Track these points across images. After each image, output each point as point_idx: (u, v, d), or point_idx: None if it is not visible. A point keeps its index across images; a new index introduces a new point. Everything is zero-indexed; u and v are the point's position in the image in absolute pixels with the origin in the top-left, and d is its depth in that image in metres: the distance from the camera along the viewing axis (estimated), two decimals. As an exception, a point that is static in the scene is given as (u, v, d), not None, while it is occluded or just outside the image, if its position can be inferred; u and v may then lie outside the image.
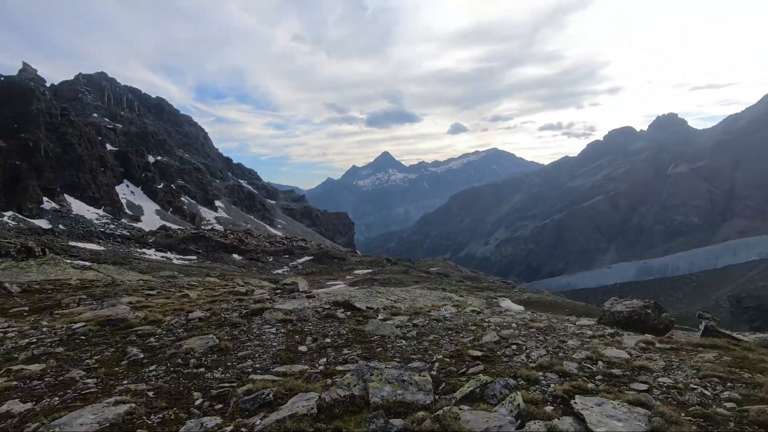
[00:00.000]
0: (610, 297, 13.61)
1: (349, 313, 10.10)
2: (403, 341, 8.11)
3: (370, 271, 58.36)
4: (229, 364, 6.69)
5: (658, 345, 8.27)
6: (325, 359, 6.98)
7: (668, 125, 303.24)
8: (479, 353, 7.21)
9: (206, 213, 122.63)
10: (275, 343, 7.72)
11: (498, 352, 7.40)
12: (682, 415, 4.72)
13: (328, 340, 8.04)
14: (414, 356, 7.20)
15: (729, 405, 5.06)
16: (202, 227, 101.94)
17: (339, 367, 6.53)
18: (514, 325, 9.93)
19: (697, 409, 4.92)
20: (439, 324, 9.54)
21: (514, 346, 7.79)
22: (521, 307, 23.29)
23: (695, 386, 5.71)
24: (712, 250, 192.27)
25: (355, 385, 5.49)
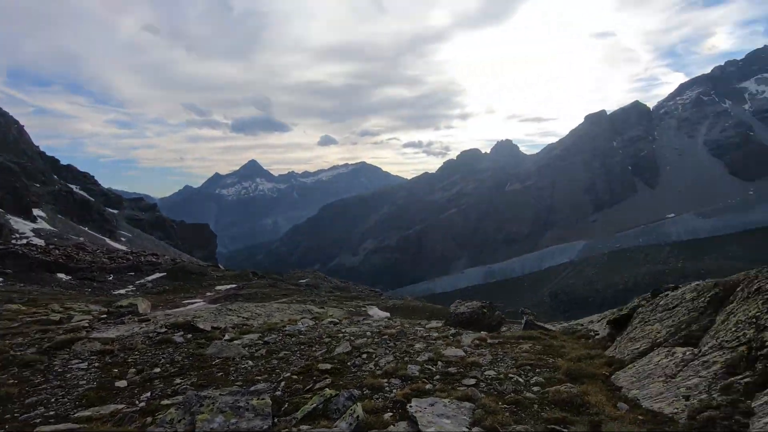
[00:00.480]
0: (464, 299, 15.03)
1: (189, 335, 8.98)
2: (250, 362, 7.50)
3: (234, 286, 54.25)
4: (8, 416, 5.22)
5: (489, 341, 9.30)
6: (149, 393, 5.98)
7: (505, 149, 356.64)
8: (329, 366, 7.06)
9: (20, 224, 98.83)
10: (83, 382, 6.35)
11: (348, 363, 7.36)
12: (500, 403, 5.27)
13: (157, 370, 6.95)
14: (259, 377, 6.68)
15: (536, 389, 5.86)
16: (12, 242, 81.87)
17: (165, 401, 5.65)
18: (368, 333, 10.10)
19: (512, 396, 5.57)
20: (293, 339, 9.14)
21: (365, 355, 7.86)
22: (387, 314, 24.17)
23: (513, 375, 6.49)
24: (537, 255, 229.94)
25: (179, 421, 4.77)
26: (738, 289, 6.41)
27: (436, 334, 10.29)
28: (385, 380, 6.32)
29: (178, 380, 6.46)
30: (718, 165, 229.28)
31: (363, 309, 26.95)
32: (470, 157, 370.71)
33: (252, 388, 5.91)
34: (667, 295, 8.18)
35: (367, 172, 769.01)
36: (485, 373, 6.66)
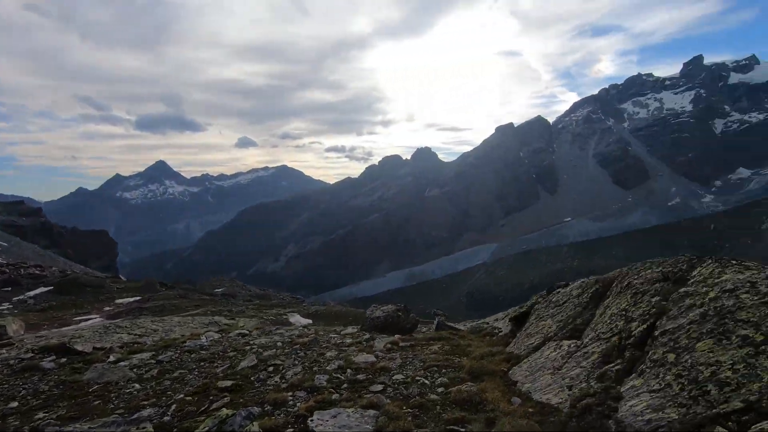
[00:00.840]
0: (385, 302, 15.06)
1: (63, 359, 7.79)
2: (137, 385, 6.68)
3: (137, 298, 49.09)
4: None
5: (401, 344, 9.39)
6: (-1, 434, 5.01)
7: (424, 156, 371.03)
8: (230, 383, 6.54)
9: None
10: None
11: (252, 378, 6.90)
12: (404, 408, 5.26)
13: (14, 404, 5.87)
14: (146, 402, 5.96)
15: (440, 390, 5.98)
16: None
17: (20, 442, 4.76)
18: (279, 344, 9.64)
19: (417, 399, 5.61)
20: (192, 356, 8.37)
21: (271, 368, 7.44)
22: (309, 320, 23.58)
23: (420, 377, 6.57)
24: (454, 257, 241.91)
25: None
26: (613, 285, 7.16)
27: (350, 341, 10.15)
28: (290, 393, 6.01)
29: (40, 414, 5.51)
30: (604, 175, 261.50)
31: (284, 317, 25.98)
32: (392, 162, 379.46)
33: (134, 416, 5.24)
34: (559, 292, 8.94)
35: (288, 176, 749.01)
36: (394, 377, 6.65)
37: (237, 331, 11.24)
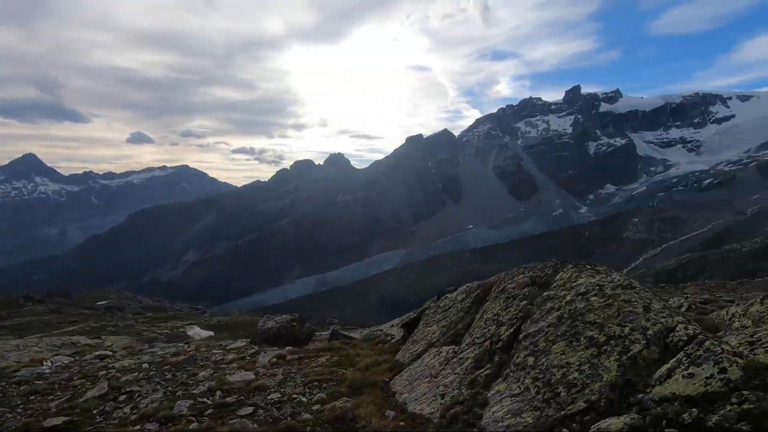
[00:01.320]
0: (295, 310, 14.14)
1: None
2: (-74, 433, 5.19)
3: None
4: None
5: (288, 357, 8.80)
6: None
7: (337, 162, 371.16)
8: (62, 420, 5.40)
9: None
10: None
11: (95, 411, 5.80)
12: (270, 433, 4.76)
13: None
14: (-68, 456, 4.61)
15: (316, 407, 5.57)
16: None
17: None
18: (145, 365, 8.42)
19: (287, 421, 5.12)
20: (22, 388, 6.87)
21: (124, 396, 6.36)
22: (211, 332, 21.58)
23: (297, 395, 6.09)
24: (366, 263, 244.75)
25: None
26: (492, 289, 7.45)
27: (233, 356, 9.28)
28: (138, 427, 5.12)
29: None
30: (502, 187, 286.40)
31: (181, 330, 23.39)
32: (304, 167, 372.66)
33: None
34: (446, 297, 9.14)
35: (190, 177, 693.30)
36: (269, 396, 6.09)
37: (96, 353, 9.63)
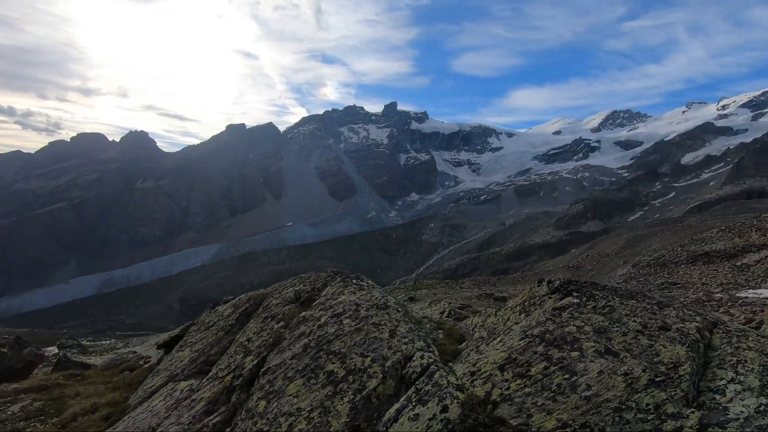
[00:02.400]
0: (70, 315, 10.04)
1: None
2: None
3: None
4: None
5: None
6: None
7: (139, 142, 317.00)
8: None
9: None
10: None
11: None
12: None
13: None
14: None
15: None
16: None
17: None
18: None
19: None
20: None
21: None
22: None
23: None
24: (169, 258, 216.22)
25: None
26: (265, 302, 6.48)
27: None
28: None
29: None
30: (323, 186, 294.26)
31: None
32: (92, 141, 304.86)
33: None
34: (216, 310, 7.77)
35: None
36: None
37: None
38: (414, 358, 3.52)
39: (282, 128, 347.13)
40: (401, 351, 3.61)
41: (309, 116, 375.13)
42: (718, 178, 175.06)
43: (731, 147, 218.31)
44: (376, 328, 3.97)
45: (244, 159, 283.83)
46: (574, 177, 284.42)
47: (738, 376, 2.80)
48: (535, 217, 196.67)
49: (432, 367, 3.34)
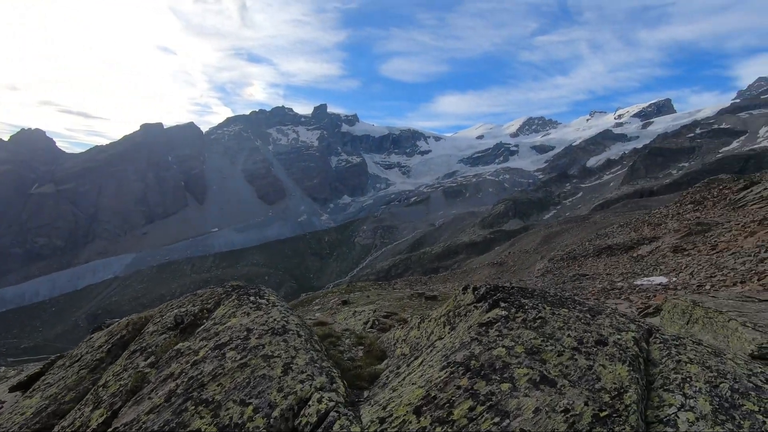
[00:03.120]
0: None
1: None
2: None
3: None
4: None
5: None
6: None
7: (34, 141, 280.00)
8: None
9: None
10: None
11: None
12: None
13: None
14: None
15: None
16: None
17: None
18: None
19: None
20: None
21: None
22: None
23: None
24: (74, 271, 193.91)
25: None
26: (146, 328, 5.29)
27: None
28: None
29: None
30: (250, 190, 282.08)
31: None
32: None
33: None
34: (91, 338, 6.36)
35: None
36: None
37: None
38: (311, 402, 2.74)
39: (204, 128, 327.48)
40: (295, 393, 2.82)
41: (234, 116, 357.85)
42: (617, 180, 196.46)
43: (626, 152, 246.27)
44: (266, 362, 3.13)
45: (162, 161, 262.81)
46: (496, 179, 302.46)
47: (687, 401, 2.41)
48: (462, 217, 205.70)
49: (332, 414, 2.59)
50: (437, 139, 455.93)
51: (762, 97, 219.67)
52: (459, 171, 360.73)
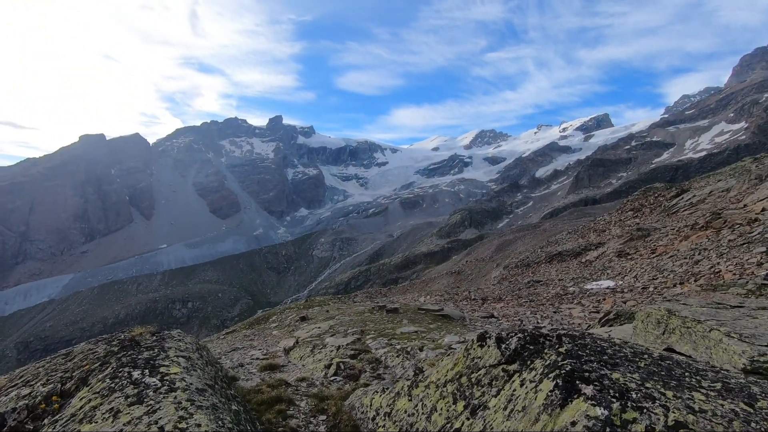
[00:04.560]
0: None
1: None
2: None
3: None
4: None
5: None
6: None
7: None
8: None
9: None
10: None
11: None
12: None
13: None
14: None
15: None
16: None
17: None
18: None
19: None
20: None
21: None
22: None
23: None
24: (1, 296, 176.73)
25: None
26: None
27: None
28: None
29: None
30: (202, 204, 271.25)
31: None
32: None
33: None
34: None
35: None
36: None
37: None
38: None
39: (152, 140, 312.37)
40: None
41: (185, 128, 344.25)
42: (564, 189, 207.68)
43: (571, 163, 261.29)
44: None
45: (104, 174, 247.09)
46: (452, 189, 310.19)
47: None
48: (420, 227, 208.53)
49: None
50: (394, 150, 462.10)
51: (686, 112, 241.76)
52: (416, 182, 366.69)
